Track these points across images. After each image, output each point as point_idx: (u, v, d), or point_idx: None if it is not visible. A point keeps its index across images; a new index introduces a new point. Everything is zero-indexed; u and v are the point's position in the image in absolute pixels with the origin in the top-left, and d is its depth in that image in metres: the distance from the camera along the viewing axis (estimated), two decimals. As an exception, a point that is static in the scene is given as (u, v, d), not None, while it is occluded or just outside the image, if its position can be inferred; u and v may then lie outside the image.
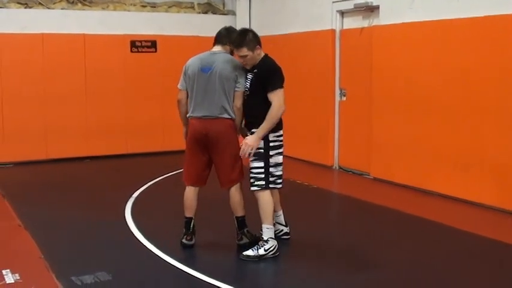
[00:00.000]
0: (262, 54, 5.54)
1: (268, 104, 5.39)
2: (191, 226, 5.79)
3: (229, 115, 5.56)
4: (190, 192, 5.77)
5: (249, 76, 5.52)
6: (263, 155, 5.44)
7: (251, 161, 5.47)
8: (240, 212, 5.70)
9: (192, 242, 5.79)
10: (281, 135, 5.59)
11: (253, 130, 5.47)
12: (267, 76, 5.41)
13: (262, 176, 5.44)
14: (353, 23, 9.65)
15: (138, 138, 11.25)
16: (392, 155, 8.69)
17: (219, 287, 4.82)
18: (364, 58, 9.16)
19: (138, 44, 11.21)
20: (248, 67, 5.51)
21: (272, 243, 5.48)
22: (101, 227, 6.62)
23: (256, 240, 5.65)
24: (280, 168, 5.56)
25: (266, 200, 5.47)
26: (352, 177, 9.54)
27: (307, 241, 6.13)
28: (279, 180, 5.57)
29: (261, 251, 5.42)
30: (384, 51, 8.75)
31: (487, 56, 7.21)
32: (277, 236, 5.79)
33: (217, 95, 5.52)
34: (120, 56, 11.08)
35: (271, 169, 5.48)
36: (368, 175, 9.26)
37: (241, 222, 5.73)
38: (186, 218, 5.78)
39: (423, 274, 5.19)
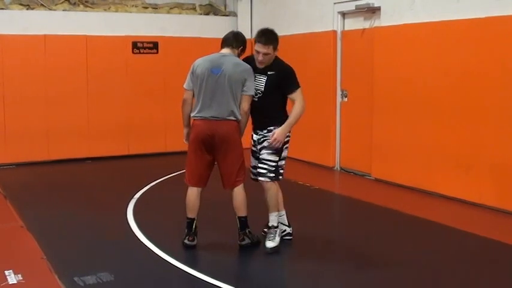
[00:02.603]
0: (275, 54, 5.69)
1: (283, 105, 5.71)
2: (193, 227, 5.80)
3: (236, 117, 5.60)
4: (192, 193, 5.78)
5: (262, 78, 5.63)
6: (278, 150, 5.61)
7: (267, 153, 5.61)
8: (243, 212, 5.72)
9: (194, 243, 5.80)
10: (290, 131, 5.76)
11: (269, 128, 5.62)
12: (287, 78, 5.65)
13: (273, 169, 5.63)
14: (354, 24, 9.66)
15: (140, 140, 11.26)
16: (394, 156, 8.71)
17: (219, 286, 4.84)
18: (366, 59, 9.18)
19: (139, 45, 11.22)
20: (261, 66, 5.59)
21: (281, 227, 5.80)
22: (103, 227, 6.64)
23: (258, 241, 5.68)
24: (285, 161, 5.77)
25: (275, 190, 5.69)
26: (353, 178, 9.55)
27: (309, 242, 6.14)
28: (282, 171, 5.78)
29: (277, 238, 5.68)
30: (385, 52, 8.76)
31: (487, 57, 7.23)
32: (280, 237, 5.85)
33: (226, 97, 5.54)
34: (121, 57, 11.08)
35: (280, 162, 5.68)
36: (369, 176, 9.27)
37: (243, 222, 5.75)
38: (189, 218, 5.79)
39: (423, 274, 5.20)
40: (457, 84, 7.65)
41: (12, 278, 4.93)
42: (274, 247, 5.61)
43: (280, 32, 11.01)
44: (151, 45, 11.32)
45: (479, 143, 7.39)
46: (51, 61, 10.50)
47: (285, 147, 5.68)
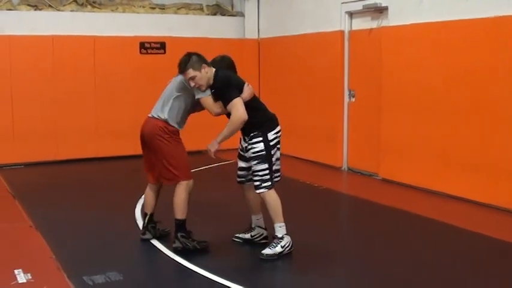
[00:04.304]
0: (213, 71, 5.54)
1: (255, 107, 5.56)
2: (145, 221, 5.96)
3: (160, 117, 5.70)
4: (147, 189, 6.02)
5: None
6: (265, 157, 5.47)
7: (255, 164, 5.49)
8: (177, 215, 5.66)
9: (146, 237, 5.96)
10: (279, 131, 5.63)
11: (251, 134, 5.51)
12: (219, 93, 5.48)
13: (268, 177, 5.48)
14: (362, 24, 9.66)
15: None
16: (401, 156, 8.69)
17: (228, 286, 4.85)
18: (373, 59, 9.17)
19: (147, 45, 11.27)
20: (203, 88, 5.51)
21: (287, 240, 5.54)
22: (111, 227, 6.67)
23: (193, 248, 5.63)
24: (278, 162, 5.66)
25: (274, 198, 5.51)
26: (360, 178, 9.54)
27: (316, 242, 6.14)
28: (277, 174, 5.66)
29: (278, 249, 5.47)
30: (393, 52, 8.75)
31: (496, 57, 7.21)
32: (257, 241, 5.88)
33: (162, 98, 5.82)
34: (129, 57, 11.13)
35: (274, 167, 5.56)
36: (377, 176, 9.27)
37: (177, 225, 5.68)
38: (144, 213, 6.02)
39: (431, 275, 5.19)
40: (465, 84, 7.63)
41: (21, 277, 4.95)
42: (270, 255, 5.45)
43: (287, 32, 11.19)
44: (158, 45, 11.36)
45: (487, 143, 7.37)
46: (59, 62, 10.55)
47: (275, 149, 5.55)
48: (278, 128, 5.62)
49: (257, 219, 5.93)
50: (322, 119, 10.39)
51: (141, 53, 11.24)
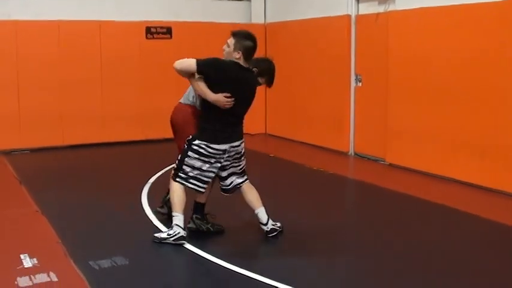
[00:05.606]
0: (234, 59, 5.43)
1: (206, 111, 5.51)
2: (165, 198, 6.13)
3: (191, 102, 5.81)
4: None
5: None
6: (184, 150, 5.51)
7: None
8: (199, 198, 5.75)
9: (162, 210, 6.19)
10: (213, 149, 5.42)
11: None
12: (206, 65, 5.49)
13: (176, 166, 5.53)
14: (368, 8, 9.59)
15: (154, 125, 11.26)
16: (408, 141, 8.66)
17: (234, 270, 4.85)
18: (380, 44, 9.12)
19: (153, 30, 11.23)
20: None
21: (176, 230, 5.43)
22: (118, 212, 6.67)
23: (201, 231, 5.72)
24: (196, 172, 5.47)
25: (173, 189, 5.52)
26: (367, 163, 9.52)
27: (323, 227, 6.13)
28: (192, 181, 5.48)
29: (164, 235, 5.48)
30: (400, 36, 8.69)
31: (505, 41, 7.14)
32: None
33: None
34: (135, 42, 11.11)
35: (184, 166, 5.47)
36: (384, 161, 9.24)
37: (195, 207, 5.78)
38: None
39: (438, 260, 5.17)
40: (473, 69, 7.57)
41: (27, 262, 4.96)
42: (155, 237, 5.47)
43: (294, 17, 11.13)
44: (164, 30, 11.33)
45: (494, 128, 7.33)
46: (65, 47, 10.53)
47: (197, 157, 5.40)
48: (213, 145, 5.40)
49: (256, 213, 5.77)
50: (329, 103, 10.35)
51: (147, 38, 11.21)
